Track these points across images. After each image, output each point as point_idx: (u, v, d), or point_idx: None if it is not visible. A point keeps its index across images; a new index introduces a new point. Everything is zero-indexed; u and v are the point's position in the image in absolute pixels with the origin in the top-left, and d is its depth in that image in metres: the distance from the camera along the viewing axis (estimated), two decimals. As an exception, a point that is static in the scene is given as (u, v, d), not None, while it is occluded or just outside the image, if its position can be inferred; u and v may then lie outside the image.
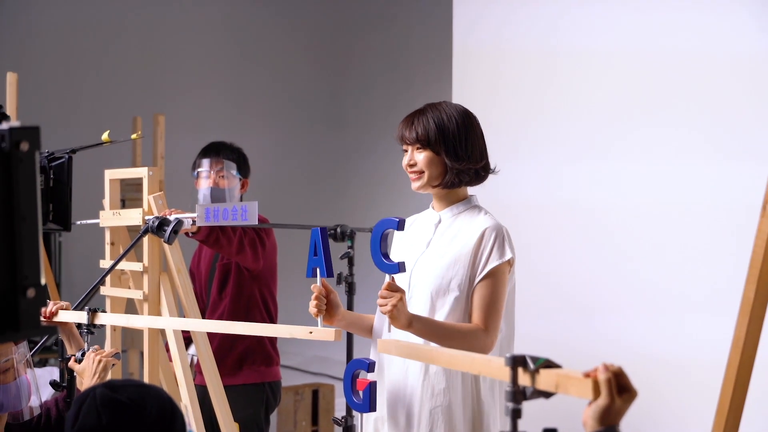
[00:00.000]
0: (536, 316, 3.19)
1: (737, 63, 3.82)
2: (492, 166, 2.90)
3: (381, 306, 2.61)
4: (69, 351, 3.18)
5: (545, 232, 4.56)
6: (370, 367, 2.60)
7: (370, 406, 2.56)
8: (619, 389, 1.76)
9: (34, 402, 2.82)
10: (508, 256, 2.76)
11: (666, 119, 4.13)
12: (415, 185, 2.85)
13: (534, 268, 3.94)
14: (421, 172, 2.82)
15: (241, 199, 4.45)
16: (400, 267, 2.56)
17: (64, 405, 3.04)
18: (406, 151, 2.85)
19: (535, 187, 4.68)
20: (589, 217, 4.42)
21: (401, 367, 2.81)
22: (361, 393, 2.58)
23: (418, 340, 2.68)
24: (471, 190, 2.92)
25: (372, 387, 2.59)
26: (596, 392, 1.76)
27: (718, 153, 3.87)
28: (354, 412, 3.01)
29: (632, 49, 4.32)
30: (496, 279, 2.76)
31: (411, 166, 2.84)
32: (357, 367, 2.62)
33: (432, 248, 2.85)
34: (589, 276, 4.36)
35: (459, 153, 2.80)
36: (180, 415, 2.07)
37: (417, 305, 2.80)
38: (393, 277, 2.62)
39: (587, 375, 1.80)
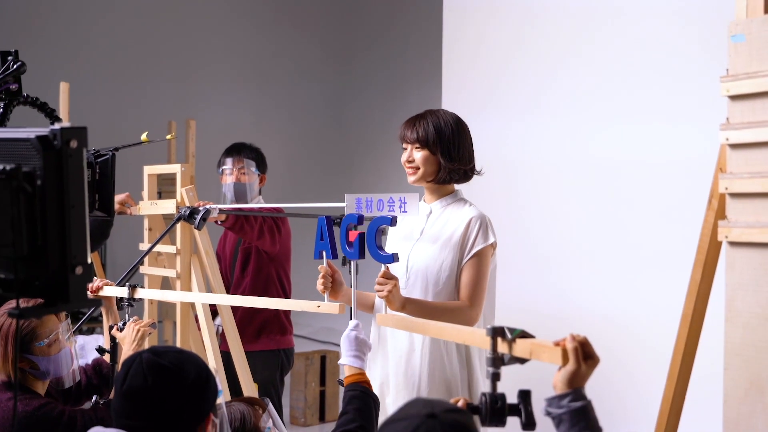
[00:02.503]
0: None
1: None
2: (478, 169, 2.91)
3: (378, 292, 2.62)
4: (106, 322, 3.19)
5: (507, 190, 4.44)
6: (359, 219, 2.56)
7: (359, 253, 2.51)
8: (584, 356, 1.76)
9: (76, 371, 2.83)
10: (491, 240, 2.78)
11: (623, 82, 3.98)
12: (411, 179, 2.86)
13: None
14: (417, 168, 2.83)
15: (260, 192, 4.46)
16: (393, 258, 2.56)
17: (93, 372, 3.04)
18: (406, 148, 2.86)
19: (499, 143, 4.55)
20: (551, 175, 4.30)
21: (407, 339, 2.82)
22: (353, 242, 2.52)
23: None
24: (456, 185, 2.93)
25: (361, 237, 2.53)
26: (565, 359, 1.76)
27: (673, 113, 3.73)
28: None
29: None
30: (480, 260, 2.77)
31: (409, 162, 2.84)
32: (350, 220, 2.58)
33: (425, 236, 2.85)
34: (550, 232, 4.27)
35: (452, 154, 2.81)
36: (213, 379, 2.06)
37: (415, 284, 2.81)
38: (388, 266, 2.62)
39: (557, 344, 1.80)
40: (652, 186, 3.77)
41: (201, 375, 2.01)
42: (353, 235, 2.54)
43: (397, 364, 2.83)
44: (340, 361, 2.50)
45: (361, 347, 2.48)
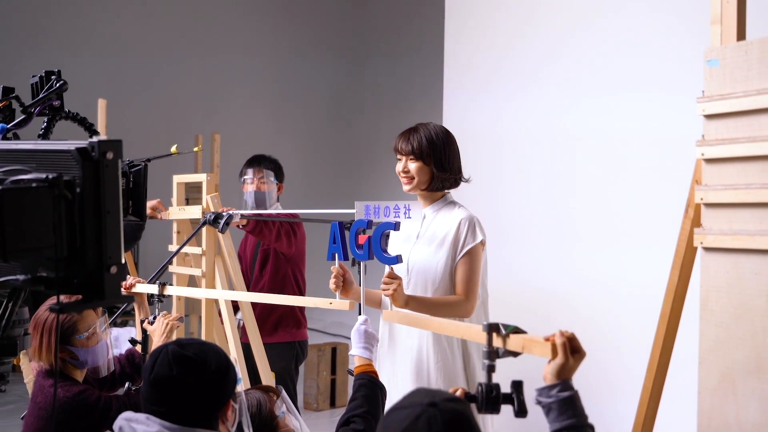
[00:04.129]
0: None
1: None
2: (466, 177, 2.90)
3: (384, 291, 2.61)
4: (138, 316, 3.19)
5: (494, 167, 4.36)
6: (368, 224, 2.56)
7: (368, 255, 2.51)
8: (572, 350, 1.75)
9: (111, 360, 2.84)
10: (480, 238, 2.77)
11: (606, 57, 3.87)
12: (406, 188, 2.85)
13: (482, 205, 3.60)
14: (412, 178, 2.82)
15: (278, 199, 4.45)
16: (398, 259, 2.56)
17: (126, 361, 3.04)
18: (401, 159, 2.85)
19: (485, 118, 4.47)
20: (536, 150, 4.21)
21: (416, 336, 2.81)
22: (362, 245, 2.52)
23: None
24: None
25: (369, 240, 2.52)
26: (554, 353, 1.75)
27: (656, 88, 3.63)
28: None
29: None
30: (472, 257, 2.77)
31: (405, 172, 2.83)
32: (359, 225, 2.57)
33: (421, 238, 2.85)
34: (535, 209, 4.18)
35: (444, 165, 2.81)
36: (233, 368, 2.06)
37: (416, 283, 2.81)
38: (392, 267, 2.62)
39: (547, 339, 1.79)
40: (635, 180, 3.73)
41: (221, 365, 2.01)
42: (362, 239, 2.54)
43: (407, 359, 2.82)
44: (351, 352, 2.50)
45: (370, 340, 2.48)
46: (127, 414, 1.99)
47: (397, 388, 2.82)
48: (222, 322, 3.83)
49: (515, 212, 4.27)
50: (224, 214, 3.53)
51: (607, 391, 3.50)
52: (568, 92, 4.05)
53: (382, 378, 2.53)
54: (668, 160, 3.50)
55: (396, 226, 2.55)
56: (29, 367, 3.62)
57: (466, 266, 2.76)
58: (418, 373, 2.79)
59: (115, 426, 1.97)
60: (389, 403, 2.40)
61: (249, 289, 4.23)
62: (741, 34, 2.06)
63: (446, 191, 2.90)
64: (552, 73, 4.15)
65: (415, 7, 8.50)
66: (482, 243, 2.79)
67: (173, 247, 4.08)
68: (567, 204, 4.03)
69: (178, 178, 4.28)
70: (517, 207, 4.28)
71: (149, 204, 4.04)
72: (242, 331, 3.91)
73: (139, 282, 3.21)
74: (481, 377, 2.74)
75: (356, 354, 2.46)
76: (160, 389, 1.96)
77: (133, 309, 3.30)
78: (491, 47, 4.51)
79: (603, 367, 3.55)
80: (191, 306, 6.13)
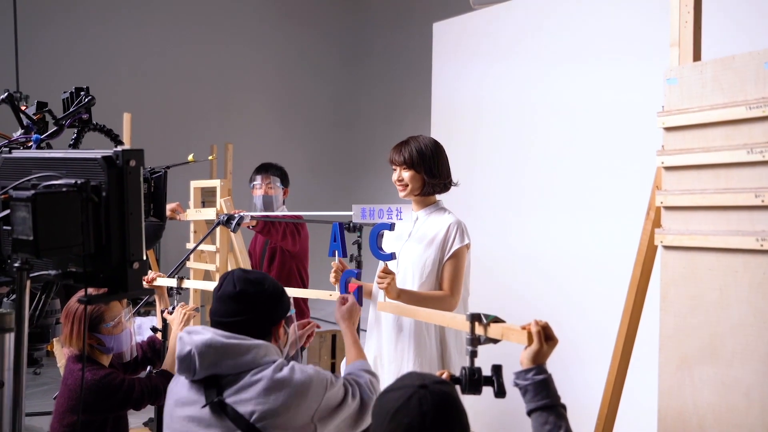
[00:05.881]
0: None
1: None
2: (454, 181, 2.90)
3: (379, 284, 2.63)
4: (159, 306, 3.18)
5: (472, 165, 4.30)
6: (357, 275, 2.61)
7: (359, 299, 2.56)
8: (545, 338, 1.75)
9: (134, 347, 2.83)
10: (465, 241, 2.78)
11: (578, 76, 3.82)
12: (401, 194, 2.88)
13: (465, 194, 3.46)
14: (406, 185, 2.84)
15: (284, 203, 4.45)
16: (392, 256, 2.56)
17: (148, 347, 3.03)
18: (395, 169, 2.86)
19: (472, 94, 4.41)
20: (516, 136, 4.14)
21: (396, 322, 2.81)
22: (352, 293, 2.55)
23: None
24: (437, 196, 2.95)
25: (359, 290, 2.59)
26: (530, 340, 1.75)
27: (621, 104, 3.58)
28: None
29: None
30: (457, 258, 2.77)
31: (399, 180, 2.85)
32: (348, 275, 2.62)
33: (412, 237, 2.85)
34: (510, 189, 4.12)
35: (434, 172, 2.82)
36: (286, 296, 2.15)
37: (406, 277, 2.81)
38: (386, 263, 2.62)
39: (523, 328, 1.79)
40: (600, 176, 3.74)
41: (277, 290, 2.09)
42: (352, 287, 2.59)
43: (388, 341, 2.83)
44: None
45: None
46: (189, 327, 2.08)
47: (383, 367, 2.83)
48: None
49: (494, 212, 4.27)
50: (236, 215, 3.52)
51: (577, 373, 3.50)
52: (542, 115, 4.06)
53: (369, 358, 2.54)
54: (632, 168, 3.50)
55: (391, 227, 2.57)
56: (61, 352, 3.61)
57: (452, 266, 2.77)
58: (398, 355, 2.79)
59: (178, 336, 2.05)
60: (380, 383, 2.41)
61: (258, 282, 4.22)
62: (697, 56, 2.07)
63: (437, 198, 2.92)
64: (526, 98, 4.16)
65: (407, 14, 8.51)
66: (467, 246, 2.79)
67: (190, 245, 4.08)
68: (544, 215, 4.03)
69: (194, 184, 4.28)
70: (493, 208, 4.28)
71: (169, 206, 4.03)
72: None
73: (159, 276, 3.20)
74: (456, 364, 2.76)
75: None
76: (225, 303, 2.04)
77: (154, 300, 3.29)
78: (475, 75, 4.51)
79: (577, 354, 3.55)
80: (206, 298, 6.10)
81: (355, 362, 2.29)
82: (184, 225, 4.49)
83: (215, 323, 2.05)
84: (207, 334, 1.98)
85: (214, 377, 1.96)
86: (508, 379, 1.78)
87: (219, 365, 1.95)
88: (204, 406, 1.94)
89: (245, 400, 1.91)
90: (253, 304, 2.03)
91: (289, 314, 2.18)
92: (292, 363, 2.00)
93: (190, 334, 1.99)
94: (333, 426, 2.01)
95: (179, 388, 2.03)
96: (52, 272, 1.57)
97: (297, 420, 1.94)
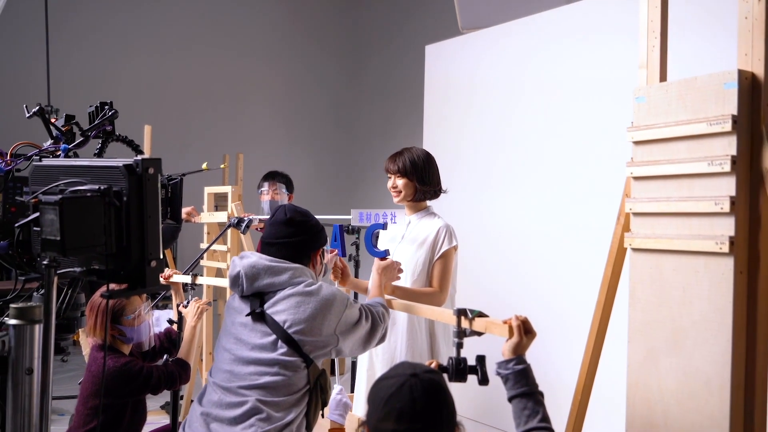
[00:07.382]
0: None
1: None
2: (444, 189, 2.91)
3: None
4: (175, 301, 3.17)
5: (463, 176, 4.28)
6: (384, 226, 2.69)
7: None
8: (525, 331, 1.75)
9: (152, 337, 2.83)
10: (453, 243, 2.78)
11: (554, 95, 3.81)
12: (395, 200, 2.88)
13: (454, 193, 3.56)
14: (400, 192, 2.84)
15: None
16: (386, 253, 2.55)
17: (165, 338, 3.02)
18: (390, 177, 2.86)
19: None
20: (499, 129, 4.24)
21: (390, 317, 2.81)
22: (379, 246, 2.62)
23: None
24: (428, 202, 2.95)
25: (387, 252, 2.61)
26: (510, 333, 1.76)
27: (595, 120, 3.57)
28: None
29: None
30: (446, 259, 2.77)
31: (394, 188, 2.86)
32: (375, 227, 2.67)
33: (405, 240, 2.86)
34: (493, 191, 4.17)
35: (425, 180, 2.82)
36: (324, 230, 2.29)
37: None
38: (381, 259, 2.61)
39: (505, 322, 1.79)
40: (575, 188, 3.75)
41: (318, 223, 2.28)
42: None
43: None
44: (328, 416, 2.59)
45: (345, 409, 2.61)
46: (242, 253, 2.25)
47: (377, 357, 2.83)
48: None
49: (480, 219, 4.27)
50: (245, 218, 3.52)
51: (553, 365, 3.50)
52: (522, 130, 4.06)
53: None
54: (604, 178, 3.51)
55: (384, 226, 2.57)
56: (86, 342, 3.60)
57: (441, 266, 2.77)
58: (390, 346, 2.80)
59: (231, 260, 2.23)
60: (373, 373, 2.43)
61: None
62: (663, 76, 2.07)
63: (428, 203, 2.92)
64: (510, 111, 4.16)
65: (403, 16, 8.50)
66: (455, 248, 2.79)
67: (204, 245, 4.07)
68: (524, 221, 4.03)
69: (208, 189, 4.28)
70: (480, 214, 4.28)
71: (184, 210, 4.02)
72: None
73: (175, 273, 3.20)
74: (444, 355, 2.76)
75: (332, 419, 2.56)
76: (275, 227, 2.22)
77: (171, 295, 3.28)
78: (466, 85, 4.51)
79: (554, 346, 3.55)
80: (218, 293, 6.10)
81: (374, 298, 2.43)
82: (198, 227, 4.48)
83: (265, 245, 2.21)
84: (253, 257, 2.17)
85: (258, 293, 2.14)
86: (491, 368, 1.78)
87: (260, 282, 2.13)
88: (248, 314, 2.12)
89: (280, 311, 2.09)
90: (298, 229, 2.21)
91: (326, 247, 2.32)
92: (320, 282, 2.17)
93: (242, 258, 2.18)
94: (351, 341, 2.17)
95: (236, 303, 2.21)
96: (77, 269, 1.57)
97: (323, 329, 2.09)
